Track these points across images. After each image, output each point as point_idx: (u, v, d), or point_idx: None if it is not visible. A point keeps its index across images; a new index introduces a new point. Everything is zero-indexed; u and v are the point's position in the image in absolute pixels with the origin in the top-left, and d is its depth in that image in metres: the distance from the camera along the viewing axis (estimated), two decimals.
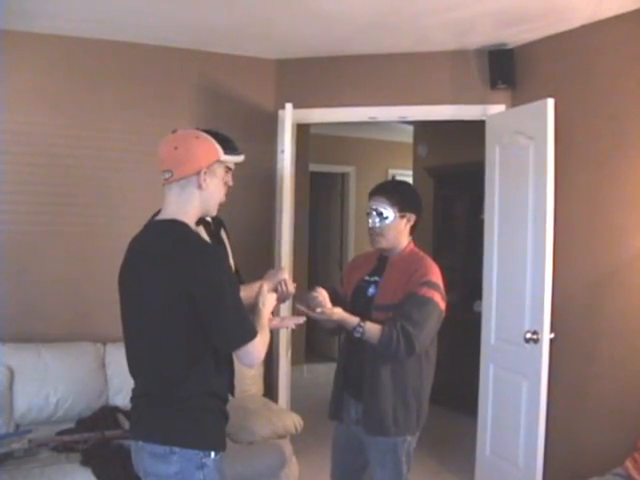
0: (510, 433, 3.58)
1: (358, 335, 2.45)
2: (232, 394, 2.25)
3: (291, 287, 2.45)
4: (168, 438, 1.89)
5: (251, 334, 1.90)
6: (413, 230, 2.69)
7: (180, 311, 1.86)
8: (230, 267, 1.99)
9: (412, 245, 2.70)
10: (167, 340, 1.90)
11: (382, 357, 2.50)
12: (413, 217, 2.64)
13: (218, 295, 1.86)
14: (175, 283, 1.85)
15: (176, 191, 1.95)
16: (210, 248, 1.99)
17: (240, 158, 2.25)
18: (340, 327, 2.59)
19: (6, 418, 3.28)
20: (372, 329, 2.45)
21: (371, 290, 2.64)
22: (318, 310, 2.45)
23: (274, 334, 4.16)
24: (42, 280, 3.80)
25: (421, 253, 2.67)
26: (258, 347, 1.92)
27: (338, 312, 2.47)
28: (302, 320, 2.32)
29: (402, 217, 2.61)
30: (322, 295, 2.48)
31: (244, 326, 1.91)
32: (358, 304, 2.64)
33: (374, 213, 2.61)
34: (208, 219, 2.46)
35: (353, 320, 2.46)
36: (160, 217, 1.99)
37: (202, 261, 1.86)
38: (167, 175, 1.93)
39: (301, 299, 2.53)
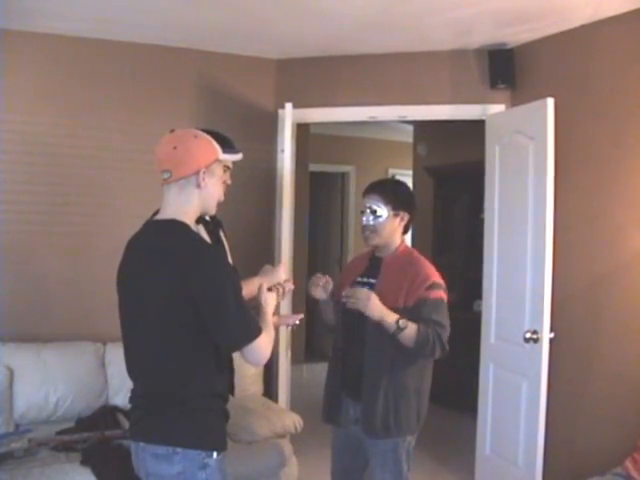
0: (510, 432, 3.58)
1: (400, 331, 2.41)
2: (232, 394, 2.25)
3: (289, 285, 2.45)
4: (171, 439, 1.89)
5: (255, 332, 1.90)
6: (407, 229, 2.70)
7: (182, 312, 1.86)
8: (231, 267, 1.99)
9: (405, 244, 2.70)
10: (169, 341, 1.89)
11: (383, 356, 2.50)
12: (407, 216, 2.65)
13: (220, 296, 1.85)
14: (176, 284, 1.84)
15: (175, 191, 1.94)
16: (211, 248, 1.99)
17: (238, 157, 2.25)
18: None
19: (6, 418, 3.28)
20: (411, 327, 2.43)
21: None
22: (349, 294, 2.44)
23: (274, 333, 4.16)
24: (42, 280, 3.80)
25: (415, 252, 2.67)
26: (263, 345, 1.92)
27: (375, 300, 2.42)
28: (300, 317, 2.33)
29: (396, 216, 2.61)
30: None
31: (248, 325, 1.90)
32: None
33: (368, 211, 2.61)
34: (207, 218, 2.46)
35: (393, 315, 2.43)
36: (159, 217, 1.98)
37: (203, 262, 1.86)
38: (166, 175, 1.92)
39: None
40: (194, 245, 1.90)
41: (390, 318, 2.43)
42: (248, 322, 1.91)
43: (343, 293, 2.50)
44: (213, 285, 1.85)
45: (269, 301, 2.10)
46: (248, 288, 2.20)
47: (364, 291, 2.45)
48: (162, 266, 1.88)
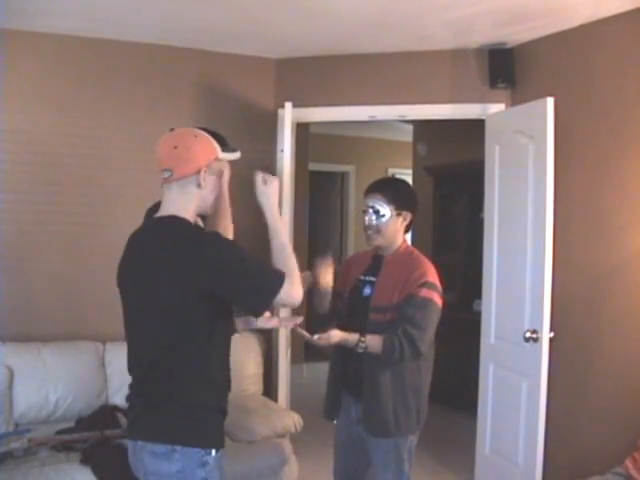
0: (510, 432, 3.58)
1: (361, 351, 2.46)
2: (229, 389, 2.25)
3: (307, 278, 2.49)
4: (170, 437, 1.89)
5: (277, 285, 1.88)
6: (408, 228, 2.69)
7: (187, 308, 1.86)
8: (230, 240, 2.00)
9: (406, 243, 2.70)
10: (172, 337, 1.89)
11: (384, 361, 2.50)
12: (409, 215, 2.64)
13: (234, 273, 1.86)
14: (183, 280, 1.84)
15: (176, 190, 1.94)
16: (211, 233, 1.99)
17: (237, 155, 2.25)
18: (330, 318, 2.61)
19: (6, 417, 3.28)
20: (373, 342, 2.45)
21: (367, 290, 2.63)
22: (315, 337, 2.44)
23: (273, 334, 4.16)
24: (41, 279, 3.80)
25: (416, 252, 2.66)
26: (290, 290, 1.89)
27: (335, 335, 2.47)
28: (300, 320, 2.33)
29: (398, 215, 2.61)
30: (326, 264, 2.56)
31: (267, 282, 1.89)
32: (354, 304, 2.64)
33: (370, 211, 2.60)
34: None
35: (353, 338, 2.47)
36: (160, 214, 1.98)
37: (206, 245, 1.86)
38: (166, 174, 1.92)
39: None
40: (195, 236, 1.90)
41: (349, 343, 2.47)
42: (266, 279, 1.89)
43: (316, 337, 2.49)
44: (220, 263, 1.85)
45: (272, 194, 2.06)
46: None
47: (324, 339, 2.47)
48: (165, 260, 1.88)
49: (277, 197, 2.08)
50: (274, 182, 2.08)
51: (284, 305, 1.95)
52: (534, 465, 3.38)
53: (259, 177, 2.08)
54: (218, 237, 1.95)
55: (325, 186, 8.11)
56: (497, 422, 3.75)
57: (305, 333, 2.44)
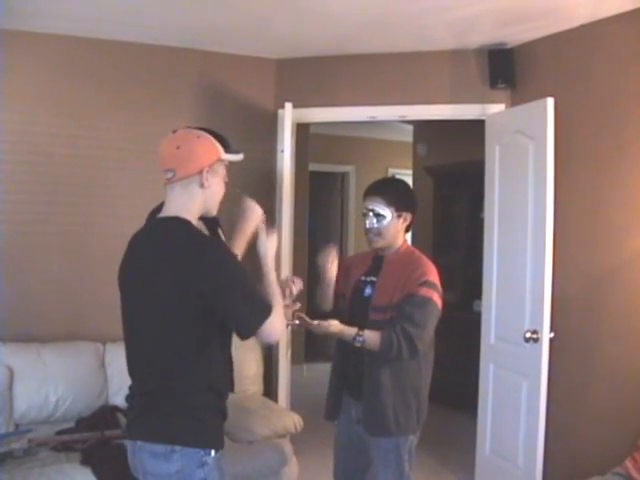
0: (510, 432, 3.58)
1: (359, 345, 2.46)
2: (232, 390, 2.26)
3: (299, 285, 2.48)
4: (169, 437, 1.89)
5: (266, 313, 1.90)
6: (409, 228, 2.69)
7: (188, 309, 1.87)
8: (233, 254, 2.01)
9: (407, 244, 2.70)
10: (172, 338, 1.90)
11: (382, 358, 2.50)
12: (409, 216, 2.64)
13: (229, 287, 1.87)
14: (181, 279, 1.85)
15: (179, 190, 1.95)
16: (213, 241, 2.00)
17: (239, 157, 2.25)
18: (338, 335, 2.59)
19: (6, 418, 3.28)
20: (371, 337, 2.46)
21: (367, 290, 2.64)
22: (315, 322, 2.45)
23: None
24: (41, 280, 3.80)
25: (417, 252, 2.67)
26: (275, 323, 1.92)
27: (335, 325, 2.48)
28: (298, 306, 2.34)
29: (399, 217, 2.61)
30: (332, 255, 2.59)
31: (258, 307, 1.91)
32: (356, 305, 2.65)
33: (371, 214, 2.60)
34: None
35: (351, 331, 2.47)
36: (162, 214, 1.99)
37: (207, 253, 1.87)
38: (169, 174, 1.93)
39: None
40: (196, 240, 1.91)
41: (347, 335, 2.48)
42: (258, 305, 1.91)
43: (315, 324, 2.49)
44: (221, 279, 1.86)
45: (269, 251, 2.10)
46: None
47: (323, 326, 2.47)
48: (166, 262, 1.89)
49: (274, 249, 2.16)
50: (274, 236, 2.18)
51: (264, 340, 1.97)
52: (534, 465, 3.38)
53: (263, 232, 2.15)
54: (222, 246, 1.97)
55: (325, 186, 8.11)
56: (497, 422, 3.76)
57: (305, 317, 2.46)
